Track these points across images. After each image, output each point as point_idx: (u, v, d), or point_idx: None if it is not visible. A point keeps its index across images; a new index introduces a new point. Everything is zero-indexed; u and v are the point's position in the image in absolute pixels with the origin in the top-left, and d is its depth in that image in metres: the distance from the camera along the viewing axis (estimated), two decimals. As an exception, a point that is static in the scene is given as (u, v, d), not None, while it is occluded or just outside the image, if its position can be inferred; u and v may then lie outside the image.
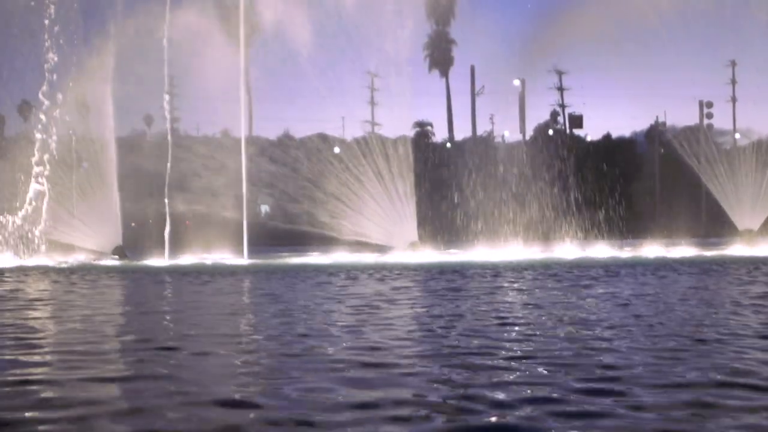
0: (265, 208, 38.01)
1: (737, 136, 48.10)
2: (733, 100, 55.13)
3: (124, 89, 31.41)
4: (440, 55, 60.61)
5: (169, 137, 31.30)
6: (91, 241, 30.01)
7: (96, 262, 27.99)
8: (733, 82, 54.18)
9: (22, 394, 5.94)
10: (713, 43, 42.22)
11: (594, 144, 60.22)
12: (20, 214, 29.38)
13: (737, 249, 30.20)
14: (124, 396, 5.97)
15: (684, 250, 29.30)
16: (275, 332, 9.26)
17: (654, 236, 33.74)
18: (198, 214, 32.29)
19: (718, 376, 6.27)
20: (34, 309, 12.65)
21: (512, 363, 6.92)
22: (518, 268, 20.82)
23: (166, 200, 30.18)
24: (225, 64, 32.26)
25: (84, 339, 8.85)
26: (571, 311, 10.85)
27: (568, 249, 30.23)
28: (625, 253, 28.86)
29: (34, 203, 29.21)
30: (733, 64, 52.35)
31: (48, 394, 5.99)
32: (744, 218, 33.25)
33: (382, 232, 30.23)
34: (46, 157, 29.72)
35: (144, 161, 32.20)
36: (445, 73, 61.26)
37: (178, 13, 31.18)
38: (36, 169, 29.69)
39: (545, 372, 6.55)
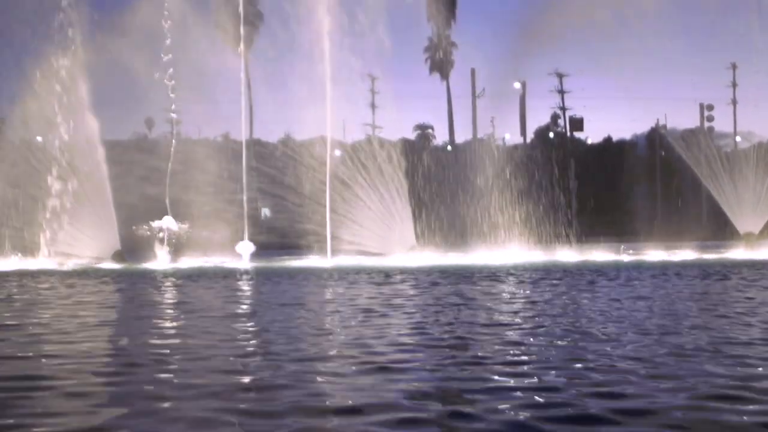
0: (265, 212, 37.99)
1: (738, 139, 48.14)
2: (734, 102, 55.12)
3: (123, 92, 31.38)
4: (440, 58, 60.55)
5: (172, 141, 31.33)
6: (89, 247, 29.67)
7: (96, 266, 27.91)
8: (734, 84, 54.19)
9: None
10: (714, 46, 42.30)
11: (594, 147, 60.24)
12: None
13: (738, 252, 30.11)
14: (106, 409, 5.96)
15: (685, 254, 29.18)
16: (266, 337, 9.24)
17: (655, 239, 33.61)
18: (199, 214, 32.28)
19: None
20: (31, 313, 12.62)
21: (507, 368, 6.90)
22: (517, 272, 20.76)
23: (167, 203, 30.18)
24: (225, 66, 32.30)
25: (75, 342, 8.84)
26: (568, 317, 10.81)
27: (568, 252, 30.09)
28: (626, 256, 28.77)
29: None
30: (734, 66, 52.40)
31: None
32: (745, 221, 33.20)
33: (380, 239, 30.16)
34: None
35: (146, 162, 32.20)
36: (445, 76, 61.19)
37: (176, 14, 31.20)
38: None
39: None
